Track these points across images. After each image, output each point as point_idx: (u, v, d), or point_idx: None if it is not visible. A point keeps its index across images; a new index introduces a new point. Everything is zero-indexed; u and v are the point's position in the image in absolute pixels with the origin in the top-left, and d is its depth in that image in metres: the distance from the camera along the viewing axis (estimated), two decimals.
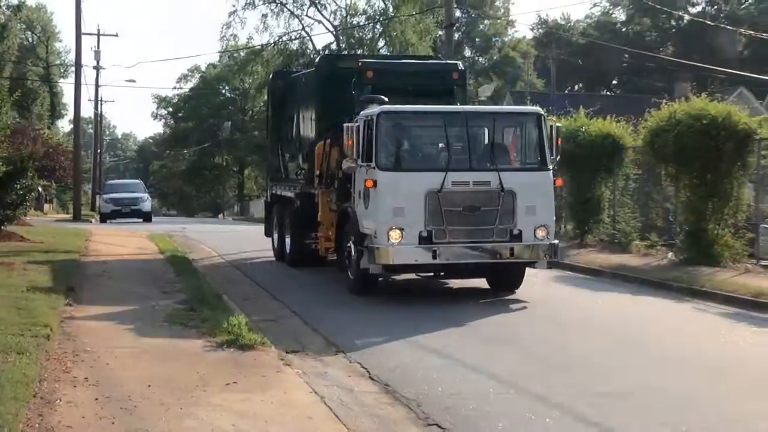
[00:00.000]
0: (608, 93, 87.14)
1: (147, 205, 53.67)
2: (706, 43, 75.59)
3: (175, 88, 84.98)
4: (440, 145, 18.10)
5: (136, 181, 65.25)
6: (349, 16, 70.44)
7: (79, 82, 54.32)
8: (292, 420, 8.89)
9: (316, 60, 23.57)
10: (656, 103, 25.68)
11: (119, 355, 11.46)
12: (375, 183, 16.28)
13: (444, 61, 19.35)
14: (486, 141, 18.33)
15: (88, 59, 63.80)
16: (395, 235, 16.05)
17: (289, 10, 69.01)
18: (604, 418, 9.80)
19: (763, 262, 22.39)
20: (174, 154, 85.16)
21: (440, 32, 48.72)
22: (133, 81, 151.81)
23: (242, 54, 73.62)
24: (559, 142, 18.00)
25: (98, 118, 78.43)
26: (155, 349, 11.96)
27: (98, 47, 71.12)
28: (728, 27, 67.16)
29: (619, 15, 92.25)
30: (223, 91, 77.41)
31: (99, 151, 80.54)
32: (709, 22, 70.00)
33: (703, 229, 22.41)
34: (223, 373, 10.65)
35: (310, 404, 9.60)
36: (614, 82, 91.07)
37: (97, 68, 70.32)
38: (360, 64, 20.21)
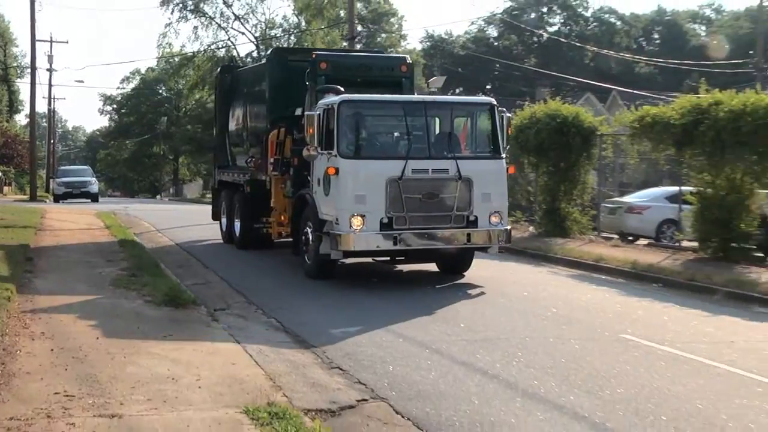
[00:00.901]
0: (483, 96, 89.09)
1: (94, 187, 53.40)
2: (561, 56, 79.07)
3: (118, 88, 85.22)
4: (400, 133, 16.45)
5: (85, 167, 64.72)
6: (267, 29, 70.98)
7: (34, 83, 53.49)
8: (219, 365, 8.98)
9: (267, 53, 21.61)
10: (520, 105, 28.52)
11: (71, 313, 11.42)
12: (337, 171, 14.46)
13: (393, 55, 17.53)
14: (443, 130, 16.45)
15: (42, 62, 63.29)
16: (357, 222, 14.33)
17: (216, 23, 69.46)
18: (472, 357, 10.21)
19: (604, 234, 24.65)
20: (118, 145, 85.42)
21: (344, 43, 48.89)
22: (82, 81, 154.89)
23: (176, 59, 73.54)
24: (510, 131, 16.94)
25: (51, 113, 78.41)
26: (102, 308, 11.94)
27: (51, 52, 70.67)
28: (578, 44, 70.81)
29: (492, 32, 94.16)
30: (160, 91, 77.98)
31: (52, 141, 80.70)
32: (563, 40, 74.19)
33: (557, 207, 24.13)
34: (160, 328, 10.74)
35: (234, 352, 9.74)
36: (488, 87, 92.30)
37: (50, 70, 70.36)
38: (314, 56, 17.98)
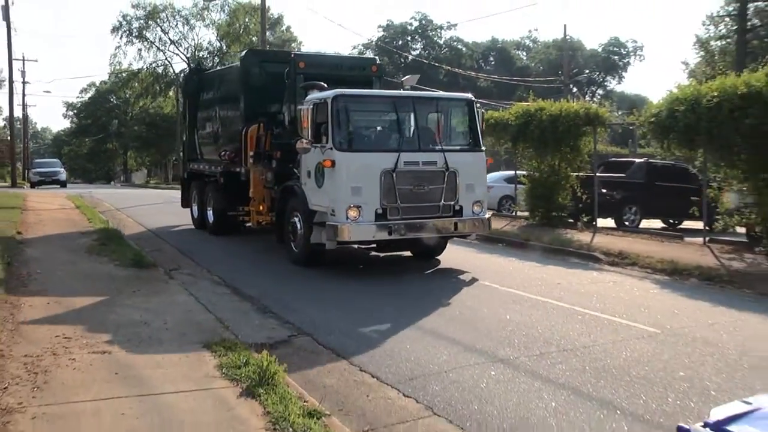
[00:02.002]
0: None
1: (63, 176, 54.10)
2: (422, 74, 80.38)
3: (78, 97, 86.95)
4: (390, 127, 14.43)
5: (55, 160, 64.88)
6: (196, 51, 72.32)
7: (12, 93, 55.13)
8: (179, 312, 9.27)
9: (241, 55, 18.79)
10: None
11: (59, 275, 11.59)
12: (333, 163, 12.66)
13: (364, 56, 16.22)
14: (429, 124, 14.45)
15: (17, 77, 65.35)
16: (353, 213, 12.51)
17: (156, 46, 71.84)
18: (372, 304, 10.72)
19: None
20: (78, 142, 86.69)
21: None
22: (49, 92, 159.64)
23: (125, 75, 74.83)
24: (483, 126, 14.79)
25: (25, 117, 79.70)
26: (83, 271, 12.10)
27: (24, 68, 75.10)
28: (435, 64, 72.48)
29: (370, 54, 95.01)
30: (112, 99, 79.43)
31: (26, 139, 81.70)
32: (424, 61, 76.80)
33: None
34: (130, 285, 10.93)
35: (189, 302, 10.02)
36: None
37: (24, 83, 73.52)
38: (293, 56, 16.15)
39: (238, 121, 17.17)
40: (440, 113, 14.39)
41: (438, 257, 15.03)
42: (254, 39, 64.12)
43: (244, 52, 16.87)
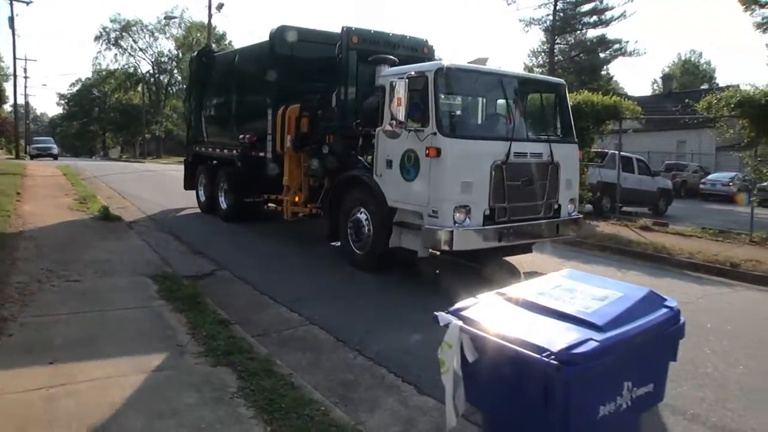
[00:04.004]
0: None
1: (55, 150, 52.14)
2: None
3: (68, 89, 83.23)
4: (497, 111, 9.40)
5: (50, 138, 62.21)
6: (159, 58, 72.01)
7: (16, 86, 53.92)
8: (135, 253, 9.22)
9: (271, 31, 12.05)
10: None
11: (47, 225, 11.34)
12: (438, 152, 7.90)
13: (416, 36, 11.33)
14: (531, 110, 9.77)
15: (20, 72, 62.71)
16: (461, 215, 7.96)
17: (128, 52, 70.82)
18: (273, 246, 11.01)
19: None
20: (68, 125, 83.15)
21: None
22: (45, 85, 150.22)
23: (104, 73, 73.49)
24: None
25: (27, 104, 76.01)
26: (66, 222, 11.87)
27: (25, 66, 76.00)
28: None
29: None
30: (94, 92, 75.91)
31: (28, 122, 78.40)
32: None
33: None
34: (99, 233, 10.80)
35: (143, 246, 9.94)
36: None
37: (25, 78, 69.41)
38: (344, 28, 10.30)
39: (265, 103, 11.96)
40: (541, 98, 9.86)
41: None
42: None
43: (275, 27, 11.83)
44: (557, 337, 2.87)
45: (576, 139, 9.82)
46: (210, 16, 41.64)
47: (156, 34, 71.41)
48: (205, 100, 15.24)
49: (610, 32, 50.35)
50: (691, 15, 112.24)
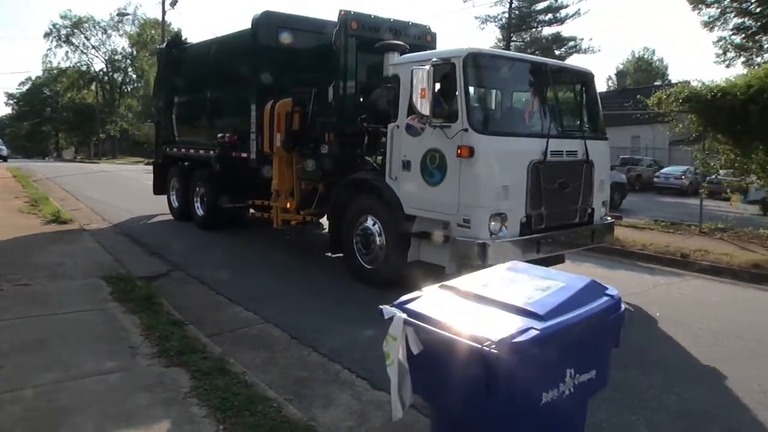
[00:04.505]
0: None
1: (5, 152, 51.26)
2: None
3: (17, 88, 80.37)
4: (527, 103, 8.39)
5: None
6: (113, 56, 69.84)
7: None
8: (89, 255, 9.10)
9: (254, 18, 10.28)
10: None
11: (1, 230, 11.13)
12: (471, 152, 6.77)
13: (419, 23, 10.06)
14: (563, 102, 8.40)
15: None
16: (496, 224, 6.87)
17: (80, 50, 68.61)
18: (228, 241, 11.00)
19: None
20: (18, 125, 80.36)
21: None
22: None
23: (55, 72, 71.30)
24: None
25: None
26: (16, 225, 11.58)
27: None
28: None
29: None
30: (45, 91, 73.75)
31: None
32: None
33: None
34: (51, 236, 10.63)
35: (97, 248, 9.81)
36: None
37: None
38: (343, 13, 8.97)
39: (247, 98, 10.66)
40: (572, 89, 8.61)
41: None
42: (158, 47, 61.61)
43: (259, 13, 10.44)
44: (499, 327, 2.93)
45: (607, 135, 8.63)
46: (164, 12, 41.06)
47: (109, 32, 69.71)
48: (176, 96, 13.84)
49: (565, 30, 51.49)
50: (644, 13, 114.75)
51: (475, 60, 7.12)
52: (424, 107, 6.74)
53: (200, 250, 10.69)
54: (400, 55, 8.19)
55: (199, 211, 12.86)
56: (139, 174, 25.84)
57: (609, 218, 8.43)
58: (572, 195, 7.63)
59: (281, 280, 8.64)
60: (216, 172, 11.83)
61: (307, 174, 9.51)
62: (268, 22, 10.46)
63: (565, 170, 7.48)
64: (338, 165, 8.86)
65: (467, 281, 3.50)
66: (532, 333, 2.92)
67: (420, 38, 9.97)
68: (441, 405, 3.32)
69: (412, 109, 7.04)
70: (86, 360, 5.03)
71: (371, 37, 8.95)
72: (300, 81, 9.99)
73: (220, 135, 11.45)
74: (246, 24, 10.85)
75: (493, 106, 8.29)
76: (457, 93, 6.99)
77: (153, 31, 65.24)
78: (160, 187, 14.55)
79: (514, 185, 6.98)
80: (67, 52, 70.54)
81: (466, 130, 6.82)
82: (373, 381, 4.97)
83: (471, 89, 7.25)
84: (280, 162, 10.07)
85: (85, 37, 68.66)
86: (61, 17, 69.50)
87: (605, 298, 3.51)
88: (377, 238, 8.06)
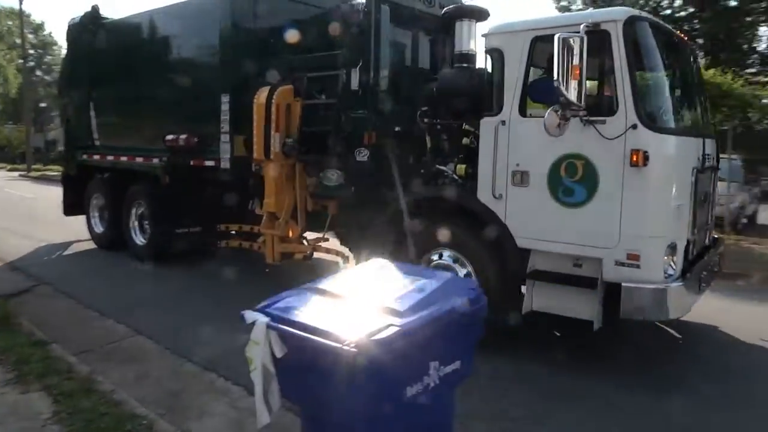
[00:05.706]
0: None
1: None
2: None
3: None
4: (675, 92, 5.79)
5: None
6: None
7: None
8: None
9: None
10: None
11: None
12: (646, 158, 4.60)
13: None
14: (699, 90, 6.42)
15: None
16: (669, 260, 4.88)
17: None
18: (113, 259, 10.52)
19: None
20: None
21: (20, 61, 44.86)
22: None
23: None
24: None
25: None
26: None
27: None
28: None
29: None
30: None
31: None
32: None
33: None
34: None
35: None
36: None
37: None
38: None
39: (213, 86, 8.26)
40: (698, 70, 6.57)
41: None
42: (17, 40, 54.53)
43: None
44: (359, 325, 2.99)
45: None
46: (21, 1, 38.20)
47: None
48: (96, 88, 10.90)
49: None
50: None
51: (638, 27, 5.15)
52: (572, 93, 4.60)
53: (70, 262, 10.15)
54: (470, 21, 6.24)
55: (138, 239, 10.05)
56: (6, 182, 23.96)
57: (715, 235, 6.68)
58: (707, 211, 5.96)
59: (153, 290, 8.23)
60: (164, 185, 9.20)
61: (329, 190, 6.99)
62: None
63: (707, 180, 5.88)
64: (385, 177, 6.36)
65: (330, 281, 3.55)
66: (392, 330, 2.99)
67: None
68: (308, 406, 3.33)
69: (524, 97, 5.34)
70: None
71: (403, 6, 6.95)
72: (301, 63, 7.61)
73: (170, 137, 8.91)
74: None
75: (658, 93, 5.70)
76: (615, 72, 4.91)
77: (10, 22, 59.10)
78: (72, 207, 11.57)
79: (684, 203, 5.22)
80: None
81: (635, 126, 4.79)
82: (249, 388, 4.84)
83: (639, 70, 5.19)
84: (279, 173, 7.47)
85: None
86: None
87: (467, 291, 3.65)
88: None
